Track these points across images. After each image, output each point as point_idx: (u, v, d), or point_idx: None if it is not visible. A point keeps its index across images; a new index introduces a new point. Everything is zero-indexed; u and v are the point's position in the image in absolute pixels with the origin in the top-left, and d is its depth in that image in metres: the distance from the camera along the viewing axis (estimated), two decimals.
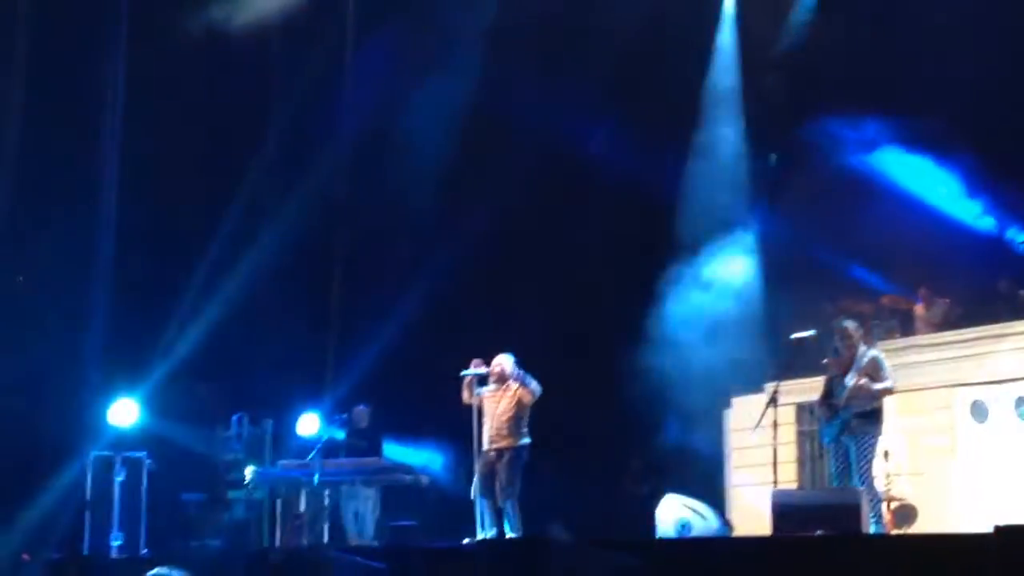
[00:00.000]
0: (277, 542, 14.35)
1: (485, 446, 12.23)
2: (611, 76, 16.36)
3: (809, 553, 9.37)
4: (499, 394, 12.29)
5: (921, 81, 14.89)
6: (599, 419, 15.70)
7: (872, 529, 10.93)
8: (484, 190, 16.43)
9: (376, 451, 14.76)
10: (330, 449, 14.66)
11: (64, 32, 16.28)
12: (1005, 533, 8.13)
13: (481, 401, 12.36)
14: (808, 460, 14.01)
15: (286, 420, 15.76)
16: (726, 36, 17.05)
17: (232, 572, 11.53)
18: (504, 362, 12.30)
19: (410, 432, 15.59)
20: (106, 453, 14.68)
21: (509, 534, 11.93)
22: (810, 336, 12.44)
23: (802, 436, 14.02)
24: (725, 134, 16.77)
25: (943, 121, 14.69)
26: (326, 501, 14.36)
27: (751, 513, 13.17)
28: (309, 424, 15.52)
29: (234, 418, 15.43)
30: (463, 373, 12.44)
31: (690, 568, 9.74)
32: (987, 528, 8.29)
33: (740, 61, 16.93)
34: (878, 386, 11.47)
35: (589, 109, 16.53)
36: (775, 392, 12.06)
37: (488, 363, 12.38)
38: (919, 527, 12.55)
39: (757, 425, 12.06)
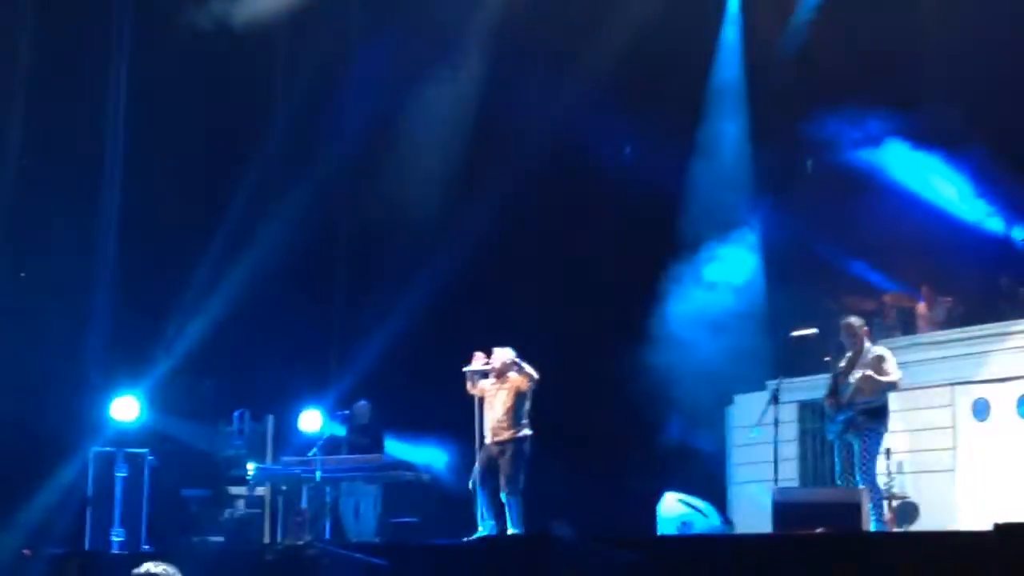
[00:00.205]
0: (278, 539, 14.36)
1: (487, 439, 12.38)
2: (614, 73, 16.33)
3: (810, 551, 9.39)
4: (498, 387, 12.40)
5: (927, 77, 14.86)
6: (602, 417, 15.69)
7: (873, 527, 10.93)
8: (487, 187, 16.43)
9: (378, 448, 14.80)
10: (332, 446, 14.69)
11: (67, 29, 16.26)
12: (1006, 531, 8.14)
13: (483, 393, 12.48)
14: (810, 458, 14.01)
15: (288, 416, 15.76)
16: (731, 32, 17.03)
17: (233, 568, 11.55)
18: (503, 355, 12.39)
19: (412, 429, 15.62)
20: (108, 449, 14.65)
21: (511, 529, 11.96)
22: (811, 334, 12.43)
23: (804, 434, 14.01)
24: (728, 131, 16.74)
25: (955, 117, 14.63)
26: (327, 498, 14.37)
27: (752, 511, 13.17)
28: (311, 420, 15.50)
29: (236, 414, 15.45)
30: (465, 369, 12.57)
31: (692, 565, 9.76)
32: (988, 526, 8.29)
33: (744, 58, 16.91)
34: (885, 379, 11.42)
35: (592, 106, 16.51)
36: (777, 390, 12.07)
37: (489, 356, 12.47)
38: (920, 525, 12.55)
39: (758, 424, 12.06)
